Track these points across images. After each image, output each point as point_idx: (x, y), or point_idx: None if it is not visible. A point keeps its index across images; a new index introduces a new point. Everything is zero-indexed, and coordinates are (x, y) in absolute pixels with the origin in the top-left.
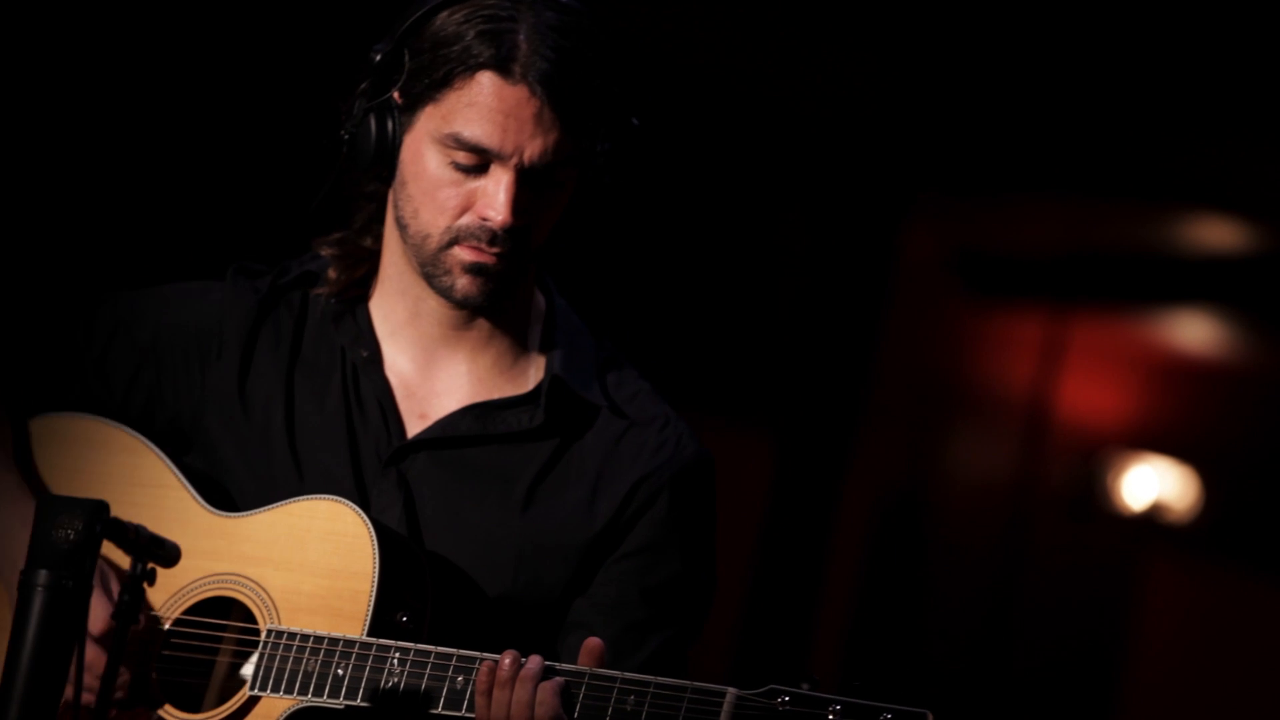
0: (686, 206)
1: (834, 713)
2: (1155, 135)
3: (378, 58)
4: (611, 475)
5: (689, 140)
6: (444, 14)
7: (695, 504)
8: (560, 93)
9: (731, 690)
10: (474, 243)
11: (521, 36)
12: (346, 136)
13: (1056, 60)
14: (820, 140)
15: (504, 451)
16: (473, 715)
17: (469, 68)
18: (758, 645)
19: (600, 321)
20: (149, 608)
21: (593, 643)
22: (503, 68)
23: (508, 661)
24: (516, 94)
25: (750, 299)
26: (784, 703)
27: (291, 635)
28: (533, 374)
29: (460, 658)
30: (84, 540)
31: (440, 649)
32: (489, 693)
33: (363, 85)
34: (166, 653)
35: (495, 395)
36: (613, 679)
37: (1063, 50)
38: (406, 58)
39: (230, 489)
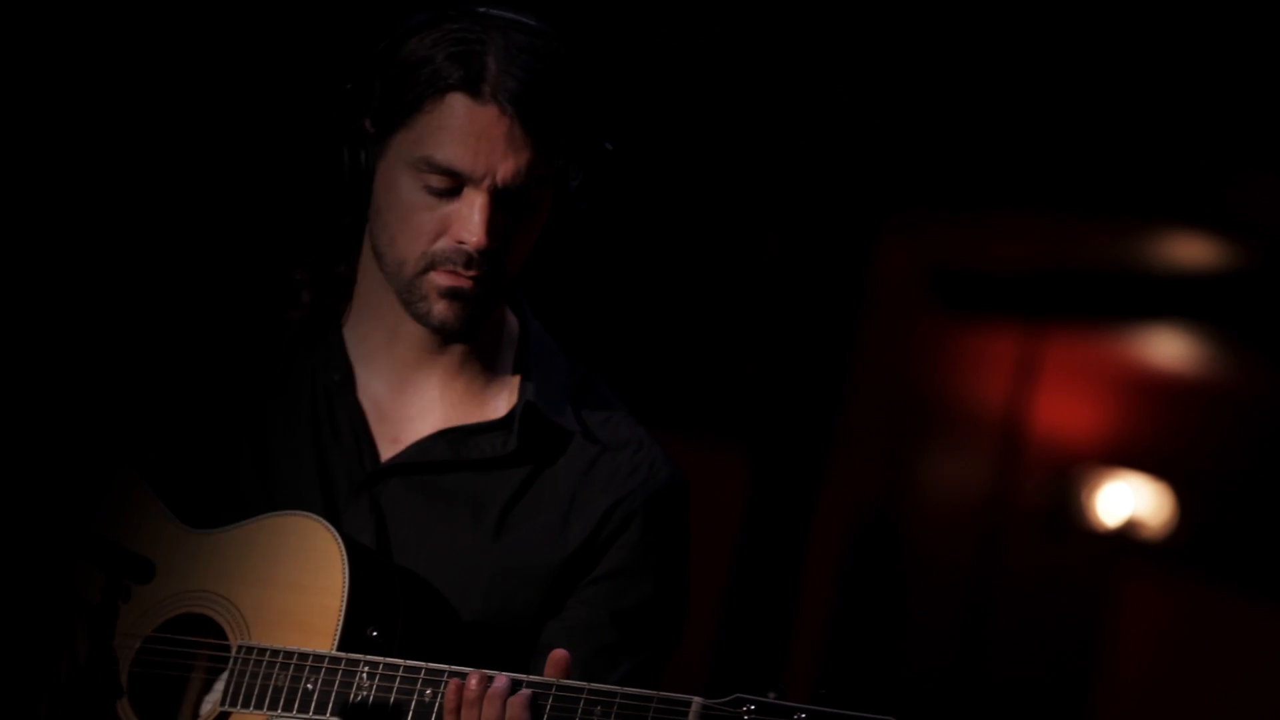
0: (660, 223)
1: None
2: (1130, 152)
3: (348, 87)
4: (584, 501)
5: (663, 156)
6: (413, 40)
7: (668, 528)
8: (531, 112)
9: (697, 699)
10: (450, 267)
11: (490, 57)
12: (320, 170)
13: (1031, 77)
14: (794, 156)
15: (477, 477)
16: None
17: (438, 90)
18: (733, 663)
19: (575, 339)
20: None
21: (558, 654)
22: (472, 88)
23: (475, 681)
24: (487, 114)
25: (725, 316)
26: (749, 711)
27: (261, 651)
28: (506, 399)
29: (429, 671)
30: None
31: (409, 662)
32: (457, 710)
33: (334, 116)
34: (137, 670)
35: (468, 420)
36: (579, 690)
37: (1037, 67)
38: (376, 86)
39: (203, 509)
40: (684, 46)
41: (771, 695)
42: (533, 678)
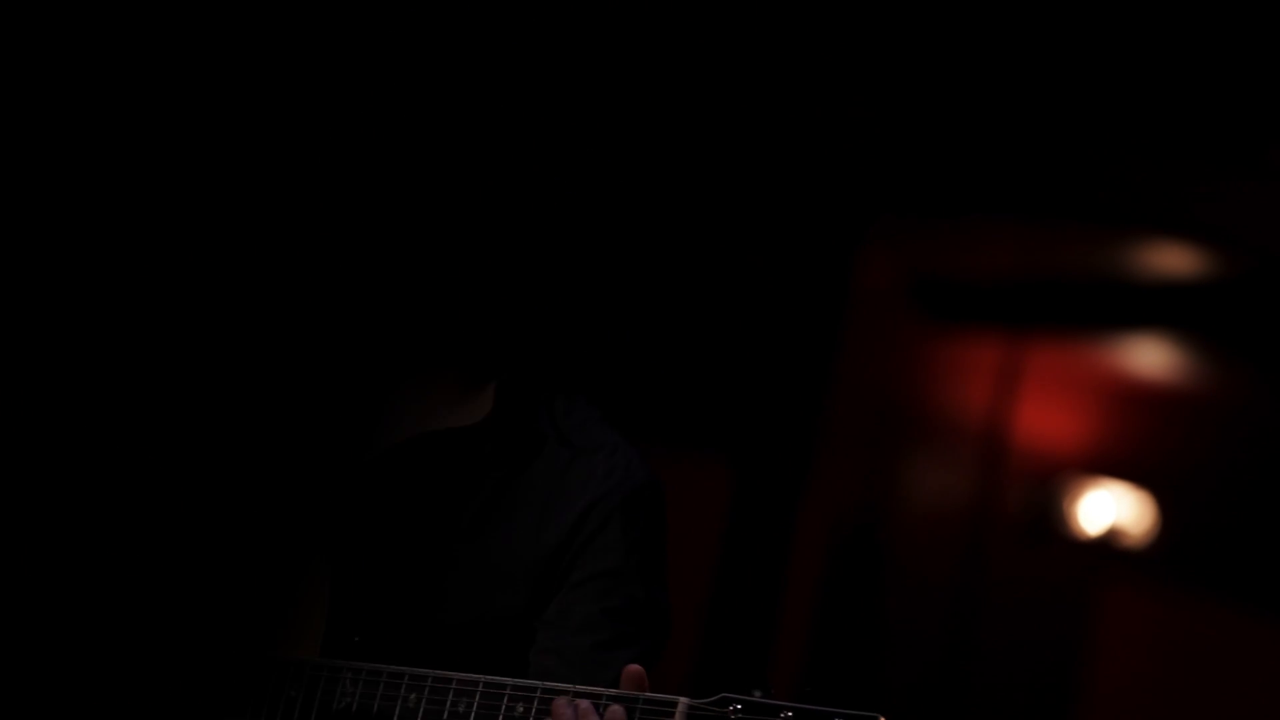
0: (639, 233)
1: (786, 719)
2: (1112, 160)
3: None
4: (558, 503)
5: (641, 166)
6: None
7: (647, 527)
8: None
9: (683, 700)
10: None
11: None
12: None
13: (1013, 85)
14: (776, 165)
15: (453, 481)
16: None
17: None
18: (716, 673)
19: (556, 347)
20: None
21: (633, 670)
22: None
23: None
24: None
25: (705, 325)
26: (736, 710)
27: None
28: (482, 403)
29: (412, 676)
30: None
31: (392, 668)
32: None
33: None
34: None
35: (445, 425)
36: (564, 693)
37: (1019, 75)
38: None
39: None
40: (663, 55)
41: (757, 694)
42: (518, 681)
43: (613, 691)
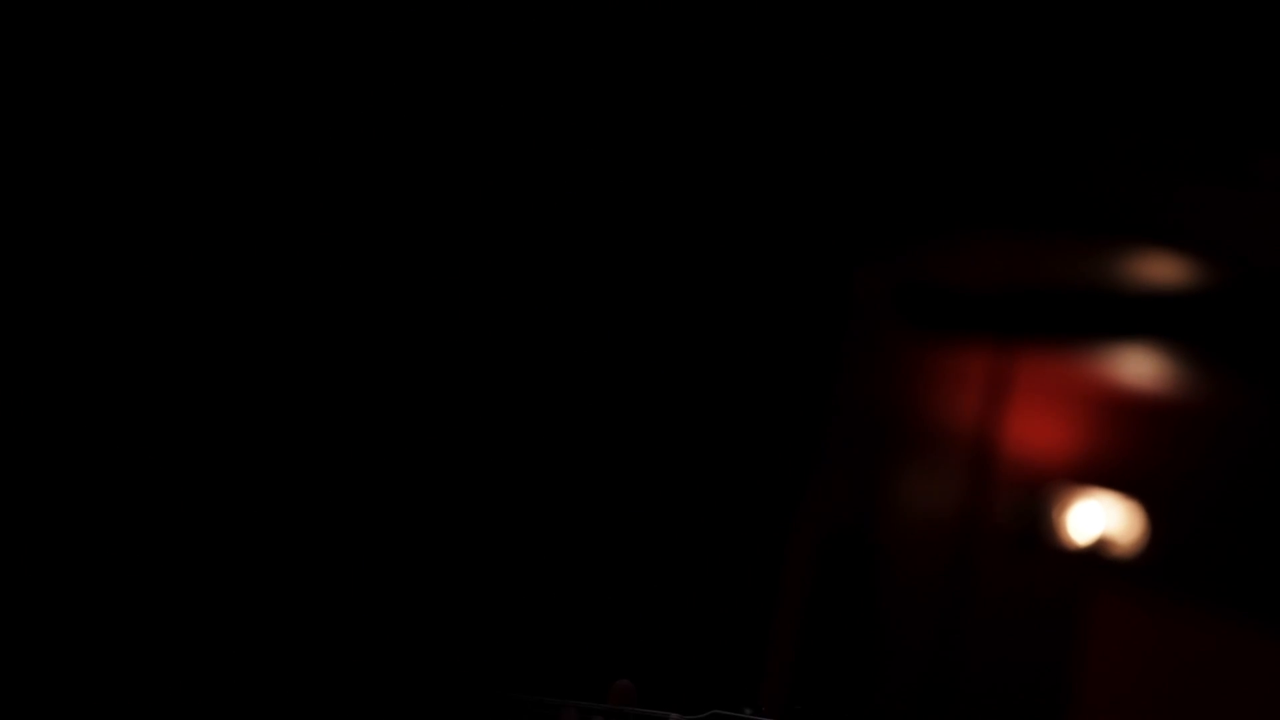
0: (630, 241)
1: None
2: (1099, 171)
3: None
4: None
5: (630, 175)
6: None
7: None
8: None
9: (674, 716)
10: None
11: None
12: None
13: (1002, 95)
14: (765, 173)
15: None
16: None
17: None
18: (704, 683)
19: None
20: None
21: (623, 684)
22: None
23: None
24: None
25: (695, 333)
26: None
27: None
28: None
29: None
30: None
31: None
32: None
33: None
34: None
35: None
36: (557, 705)
37: (1008, 85)
38: None
39: None
40: (653, 66)
41: (748, 711)
42: (512, 696)
43: (604, 707)
